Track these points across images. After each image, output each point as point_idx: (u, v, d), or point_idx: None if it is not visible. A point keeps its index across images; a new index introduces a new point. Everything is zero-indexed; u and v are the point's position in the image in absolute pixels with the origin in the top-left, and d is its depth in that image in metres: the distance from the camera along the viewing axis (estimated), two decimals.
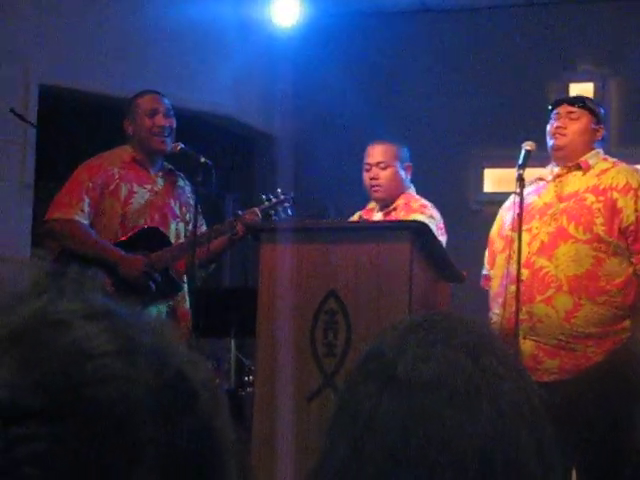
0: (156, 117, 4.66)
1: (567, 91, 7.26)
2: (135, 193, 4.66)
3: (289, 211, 4.90)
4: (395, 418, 1.02)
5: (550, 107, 4.46)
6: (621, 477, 4.11)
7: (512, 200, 4.35)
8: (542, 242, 4.23)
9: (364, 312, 3.87)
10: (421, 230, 4.00)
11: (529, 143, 4.33)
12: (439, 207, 5.00)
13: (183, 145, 4.68)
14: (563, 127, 4.35)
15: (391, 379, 1.04)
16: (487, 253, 4.59)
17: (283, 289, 3.96)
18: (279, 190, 4.94)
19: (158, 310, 4.56)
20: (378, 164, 4.89)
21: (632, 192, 4.22)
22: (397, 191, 4.92)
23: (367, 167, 4.93)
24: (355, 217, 5.04)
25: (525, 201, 4.35)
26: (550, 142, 4.38)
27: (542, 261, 4.20)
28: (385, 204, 4.91)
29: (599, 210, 4.20)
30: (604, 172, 4.31)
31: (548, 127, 4.42)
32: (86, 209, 4.56)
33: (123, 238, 4.59)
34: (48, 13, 6.49)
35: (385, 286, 3.87)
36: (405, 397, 1.02)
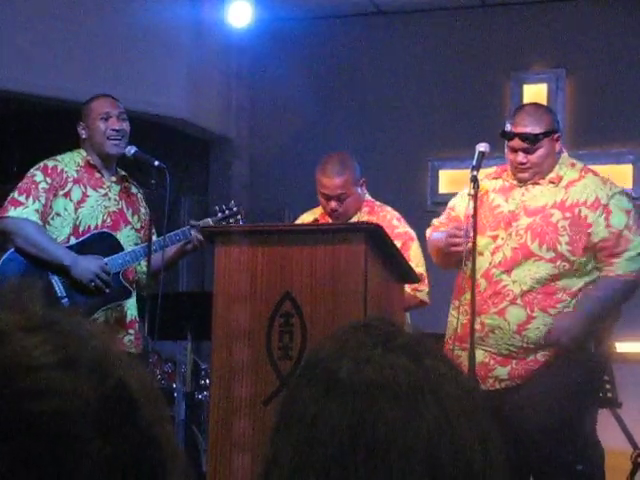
0: (109, 120, 4.65)
1: (521, 92, 7.31)
2: (88, 196, 4.64)
3: (241, 223, 4.90)
4: (340, 421, 1.02)
5: (501, 136, 4.33)
6: (575, 472, 4.14)
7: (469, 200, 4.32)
8: (505, 256, 4.23)
9: (320, 314, 3.87)
10: (375, 231, 4.00)
11: (483, 145, 4.31)
12: (395, 209, 5.01)
13: (136, 149, 4.66)
14: (524, 162, 4.25)
15: (334, 383, 1.04)
16: (445, 213, 4.53)
17: (238, 292, 3.96)
18: (232, 202, 4.95)
19: (106, 316, 4.55)
20: (339, 196, 4.80)
21: (601, 208, 4.19)
22: (356, 210, 4.89)
23: (325, 197, 4.82)
24: (308, 219, 5.00)
25: (492, 201, 4.32)
26: (516, 175, 4.30)
27: (502, 275, 4.21)
28: None
29: (564, 228, 4.19)
30: (572, 183, 4.26)
31: (507, 154, 4.32)
32: (40, 209, 4.54)
33: (75, 241, 4.58)
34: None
35: (340, 288, 3.87)
36: (349, 400, 1.03)
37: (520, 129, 4.24)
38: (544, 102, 7.22)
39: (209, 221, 4.81)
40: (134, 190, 4.83)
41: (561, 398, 4.13)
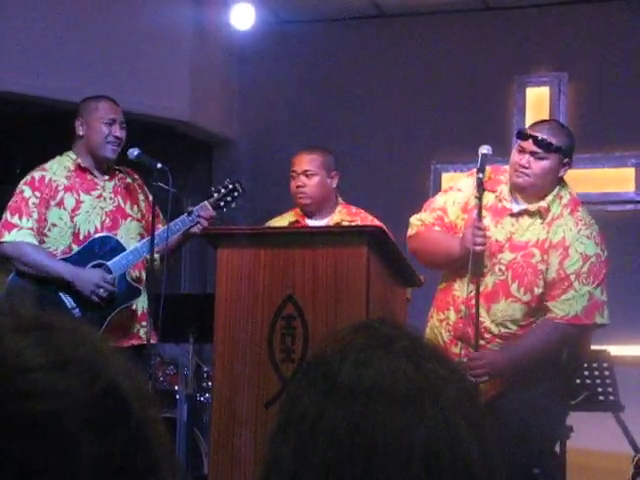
0: (113, 126, 4.66)
1: (524, 96, 7.30)
2: (82, 202, 4.64)
3: (239, 200, 4.90)
4: (339, 424, 1.02)
5: (516, 135, 4.33)
6: (530, 476, 4.13)
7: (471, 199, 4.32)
8: (487, 287, 4.21)
9: (322, 317, 3.87)
10: (378, 234, 4.00)
11: (485, 147, 4.28)
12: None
13: (139, 151, 4.66)
14: (526, 167, 4.19)
15: (334, 386, 1.05)
16: (435, 213, 4.43)
17: (240, 294, 3.96)
18: (227, 180, 4.96)
19: (119, 314, 4.57)
20: (304, 172, 5.01)
21: (562, 249, 4.17)
22: (322, 199, 5.05)
23: (293, 174, 5.06)
24: (280, 223, 5.07)
25: (483, 219, 4.29)
26: (512, 178, 4.24)
27: (482, 312, 4.20)
28: (311, 211, 5.05)
29: (542, 272, 4.18)
30: (554, 220, 4.22)
31: (513, 155, 4.27)
32: (35, 226, 4.55)
33: (77, 249, 4.58)
34: (0, 20, 6.45)
35: (342, 290, 3.87)
36: (348, 403, 1.03)
37: (537, 133, 4.22)
38: (546, 105, 7.23)
39: (207, 204, 4.78)
40: (129, 180, 4.82)
41: (529, 402, 4.12)
